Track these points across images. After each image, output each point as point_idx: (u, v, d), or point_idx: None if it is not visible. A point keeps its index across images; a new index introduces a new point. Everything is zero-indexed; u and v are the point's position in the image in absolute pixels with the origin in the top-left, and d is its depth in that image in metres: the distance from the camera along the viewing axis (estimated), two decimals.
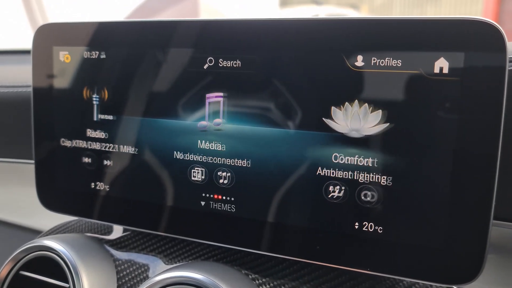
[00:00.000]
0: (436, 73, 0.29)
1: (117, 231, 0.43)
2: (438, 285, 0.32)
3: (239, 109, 0.34)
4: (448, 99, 0.29)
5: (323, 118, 0.32)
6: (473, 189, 0.29)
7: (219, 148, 0.35)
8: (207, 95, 0.35)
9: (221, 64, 0.34)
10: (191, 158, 0.36)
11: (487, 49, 0.28)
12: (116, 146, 0.38)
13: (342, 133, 0.31)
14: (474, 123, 0.28)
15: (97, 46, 0.38)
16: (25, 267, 0.37)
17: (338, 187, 0.32)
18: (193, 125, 0.35)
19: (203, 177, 0.36)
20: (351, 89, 0.31)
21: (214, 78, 0.34)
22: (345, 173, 0.31)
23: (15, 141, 0.57)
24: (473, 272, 0.29)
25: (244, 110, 0.34)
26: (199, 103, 0.35)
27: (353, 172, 0.31)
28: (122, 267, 0.39)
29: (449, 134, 0.29)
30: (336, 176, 0.32)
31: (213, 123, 0.35)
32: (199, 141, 0.35)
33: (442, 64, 0.29)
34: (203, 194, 0.36)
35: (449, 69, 0.28)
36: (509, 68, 0.28)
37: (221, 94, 0.34)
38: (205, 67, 0.35)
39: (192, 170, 0.36)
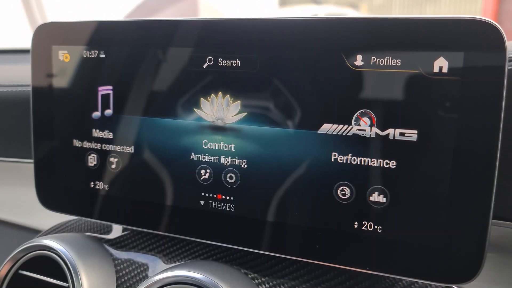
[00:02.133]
0: (436, 73, 0.29)
1: (117, 230, 0.43)
2: (437, 284, 0.32)
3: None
4: (447, 99, 0.29)
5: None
6: (472, 188, 0.29)
7: (219, 147, 0.35)
8: None
9: (220, 63, 0.34)
10: (192, 157, 0.36)
11: (487, 48, 0.28)
12: (115, 145, 0.38)
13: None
14: (473, 122, 0.28)
15: (96, 45, 0.38)
16: (24, 266, 0.37)
17: (344, 187, 0.32)
18: (193, 124, 0.35)
19: (205, 176, 0.36)
20: (350, 88, 0.31)
21: (213, 77, 0.34)
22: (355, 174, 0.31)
23: (14, 140, 0.57)
24: (472, 271, 0.29)
25: (244, 109, 0.34)
26: (198, 102, 0.35)
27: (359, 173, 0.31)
28: (122, 266, 0.39)
29: (448, 133, 0.29)
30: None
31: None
32: (201, 140, 0.35)
33: (441, 64, 0.29)
34: (203, 194, 0.36)
35: (449, 68, 0.29)
36: (509, 68, 0.28)
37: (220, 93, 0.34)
38: (204, 66, 0.35)
39: (194, 170, 0.36)
